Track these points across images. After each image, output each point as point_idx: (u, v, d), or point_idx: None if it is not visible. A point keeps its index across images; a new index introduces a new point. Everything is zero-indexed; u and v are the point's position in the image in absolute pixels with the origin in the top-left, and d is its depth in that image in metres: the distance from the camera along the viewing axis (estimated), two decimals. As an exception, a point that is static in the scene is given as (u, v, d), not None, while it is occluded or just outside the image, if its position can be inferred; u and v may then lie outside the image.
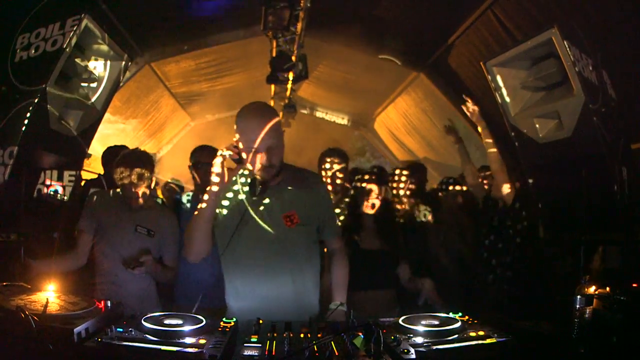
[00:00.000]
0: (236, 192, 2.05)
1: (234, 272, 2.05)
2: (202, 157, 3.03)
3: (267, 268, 1.99)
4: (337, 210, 3.20)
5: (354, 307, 2.85)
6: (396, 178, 4.21)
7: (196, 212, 1.92)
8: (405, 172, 4.17)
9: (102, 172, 3.65)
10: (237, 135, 1.93)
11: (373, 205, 2.94)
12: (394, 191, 3.91)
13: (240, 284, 2.03)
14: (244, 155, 1.90)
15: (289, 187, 2.06)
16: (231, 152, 1.85)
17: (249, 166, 1.94)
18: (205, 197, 1.87)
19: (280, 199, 2.03)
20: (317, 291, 2.14)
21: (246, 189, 2.02)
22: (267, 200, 2.02)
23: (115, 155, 2.73)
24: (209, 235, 1.96)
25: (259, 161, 1.91)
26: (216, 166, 1.84)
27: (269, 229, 1.99)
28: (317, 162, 3.68)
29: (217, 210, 1.99)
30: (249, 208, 2.00)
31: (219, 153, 1.84)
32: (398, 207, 3.89)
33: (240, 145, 1.90)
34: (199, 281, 2.82)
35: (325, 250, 2.28)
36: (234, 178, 1.98)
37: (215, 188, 1.85)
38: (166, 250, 2.68)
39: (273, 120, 1.93)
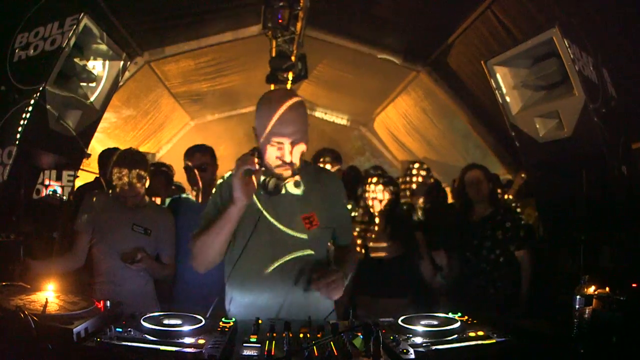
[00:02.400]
0: (255, 202, 1.85)
1: (245, 278, 1.87)
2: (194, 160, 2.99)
3: (283, 274, 1.82)
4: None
5: (369, 313, 2.87)
6: (414, 172, 4.21)
7: (213, 227, 1.75)
8: (424, 167, 4.16)
9: (99, 173, 3.65)
10: (256, 126, 1.77)
11: (380, 202, 2.94)
12: (407, 185, 3.87)
13: (252, 289, 1.85)
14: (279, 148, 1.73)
15: (309, 187, 1.87)
16: (251, 167, 1.65)
17: (271, 162, 1.77)
18: (228, 213, 1.70)
19: (298, 199, 1.86)
20: (332, 304, 1.99)
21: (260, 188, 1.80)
22: (284, 200, 1.84)
23: (110, 157, 2.74)
24: (225, 248, 1.83)
25: (277, 157, 1.75)
26: (237, 181, 1.65)
27: (286, 231, 1.83)
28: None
29: None
30: (265, 209, 1.82)
31: (240, 169, 1.65)
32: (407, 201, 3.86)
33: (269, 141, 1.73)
34: (199, 284, 2.81)
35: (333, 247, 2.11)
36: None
37: (239, 204, 1.67)
38: (163, 248, 2.69)
39: (300, 110, 1.75)
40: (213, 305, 1.69)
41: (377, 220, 3.03)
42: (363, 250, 2.99)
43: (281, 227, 1.83)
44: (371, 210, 3.03)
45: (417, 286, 3.14)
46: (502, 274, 3.12)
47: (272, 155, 1.76)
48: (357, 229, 3.17)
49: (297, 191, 1.85)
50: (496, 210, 3.24)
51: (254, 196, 1.79)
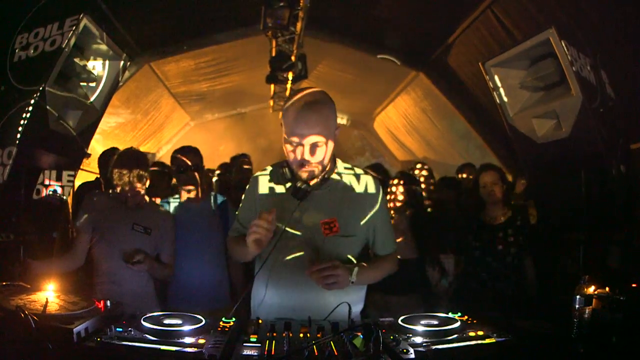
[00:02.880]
0: (277, 200, 1.83)
1: (267, 284, 1.85)
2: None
3: (304, 282, 1.73)
4: None
5: (380, 309, 2.85)
6: (416, 172, 4.20)
7: (237, 248, 1.91)
8: (425, 167, 4.15)
9: (99, 173, 3.65)
10: (285, 131, 1.73)
11: (399, 202, 2.95)
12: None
13: (272, 297, 1.84)
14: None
15: (337, 192, 1.83)
16: (260, 238, 1.64)
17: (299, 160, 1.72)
18: (246, 249, 1.72)
19: (322, 203, 1.79)
20: (360, 306, 1.94)
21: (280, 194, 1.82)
22: (306, 204, 1.77)
23: (110, 157, 2.74)
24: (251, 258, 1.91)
25: (295, 157, 1.72)
26: (249, 240, 1.66)
27: (309, 236, 1.78)
28: None
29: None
30: (288, 220, 1.77)
31: (252, 237, 1.64)
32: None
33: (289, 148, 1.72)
34: (193, 284, 2.82)
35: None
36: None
37: (253, 252, 1.73)
38: (163, 248, 2.69)
39: (321, 111, 1.71)
40: (237, 305, 1.72)
41: (396, 219, 3.05)
42: None
43: (302, 233, 1.80)
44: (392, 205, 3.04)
45: (428, 284, 3.14)
46: (520, 276, 3.10)
47: (290, 155, 1.75)
48: None
49: (324, 194, 1.81)
50: (514, 215, 3.18)
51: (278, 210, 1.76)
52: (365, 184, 1.89)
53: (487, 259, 3.17)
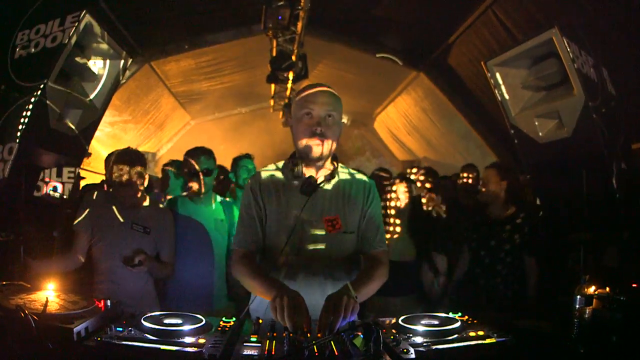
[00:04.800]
0: (287, 202, 1.84)
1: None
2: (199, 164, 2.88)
3: (305, 278, 1.76)
4: None
5: (377, 312, 2.86)
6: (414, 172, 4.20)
7: (252, 284, 1.73)
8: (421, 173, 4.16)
9: (104, 173, 3.64)
10: (293, 112, 1.84)
11: (399, 200, 2.97)
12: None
13: None
14: None
15: (337, 189, 1.88)
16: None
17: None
18: (266, 291, 1.61)
19: (324, 200, 1.84)
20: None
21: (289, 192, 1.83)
22: (310, 201, 1.80)
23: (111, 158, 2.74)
24: None
25: (309, 127, 1.76)
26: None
27: (311, 233, 1.80)
28: None
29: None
30: (297, 222, 1.78)
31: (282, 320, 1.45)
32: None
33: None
34: (194, 283, 2.81)
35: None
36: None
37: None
38: (162, 247, 2.69)
39: (336, 96, 1.84)
40: (247, 307, 1.71)
41: (395, 221, 3.05)
42: None
43: (307, 229, 1.81)
44: (388, 211, 3.05)
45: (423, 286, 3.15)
46: (518, 277, 3.07)
47: (304, 129, 1.78)
48: None
49: (325, 192, 1.85)
50: (517, 212, 3.13)
51: (290, 201, 1.83)
52: (361, 182, 1.96)
53: (481, 254, 3.17)
